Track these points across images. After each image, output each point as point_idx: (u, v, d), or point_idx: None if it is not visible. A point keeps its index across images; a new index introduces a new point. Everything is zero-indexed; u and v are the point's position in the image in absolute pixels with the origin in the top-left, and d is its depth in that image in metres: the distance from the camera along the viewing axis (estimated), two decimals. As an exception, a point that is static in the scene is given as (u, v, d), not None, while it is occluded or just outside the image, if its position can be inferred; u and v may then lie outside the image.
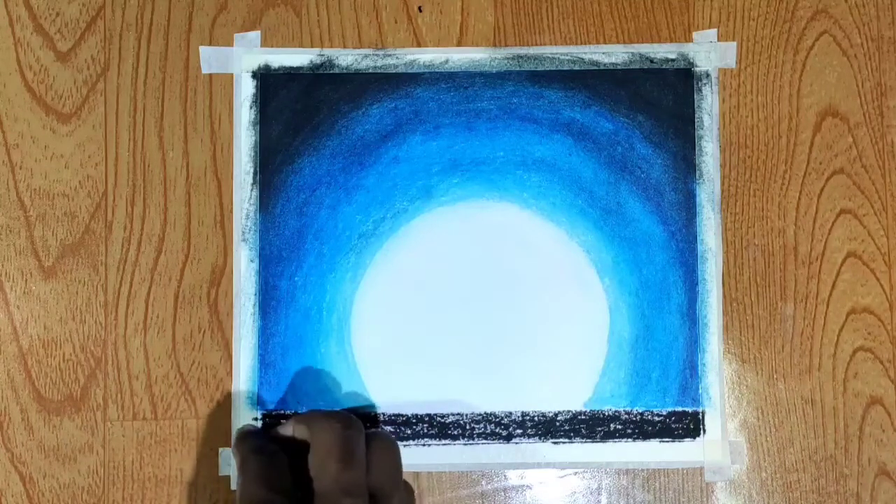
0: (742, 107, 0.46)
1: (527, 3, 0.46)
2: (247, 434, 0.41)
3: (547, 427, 0.44)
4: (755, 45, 0.46)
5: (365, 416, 0.44)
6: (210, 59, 0.46)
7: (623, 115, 0.45)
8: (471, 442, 0.44)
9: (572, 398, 0.44)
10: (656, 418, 0.44)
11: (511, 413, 0.44)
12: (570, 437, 0.44)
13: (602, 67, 0.45)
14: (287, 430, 0.39)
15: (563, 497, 0.44)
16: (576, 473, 0.44)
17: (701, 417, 0.44)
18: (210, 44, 0.46)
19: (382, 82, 0.45)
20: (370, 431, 0.39)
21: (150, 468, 0.44)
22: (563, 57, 0.45)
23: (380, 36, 0.46)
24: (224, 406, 0.44)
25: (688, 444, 0.44)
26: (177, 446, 0.44)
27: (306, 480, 0.36)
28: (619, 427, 0.44)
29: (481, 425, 0.44)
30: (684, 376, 0.44)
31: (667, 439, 0.44)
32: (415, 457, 0.44)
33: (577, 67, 0.45)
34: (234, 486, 0.44)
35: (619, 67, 0.45)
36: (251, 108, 0.45)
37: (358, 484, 0.36)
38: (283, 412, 0.44)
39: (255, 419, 0.44)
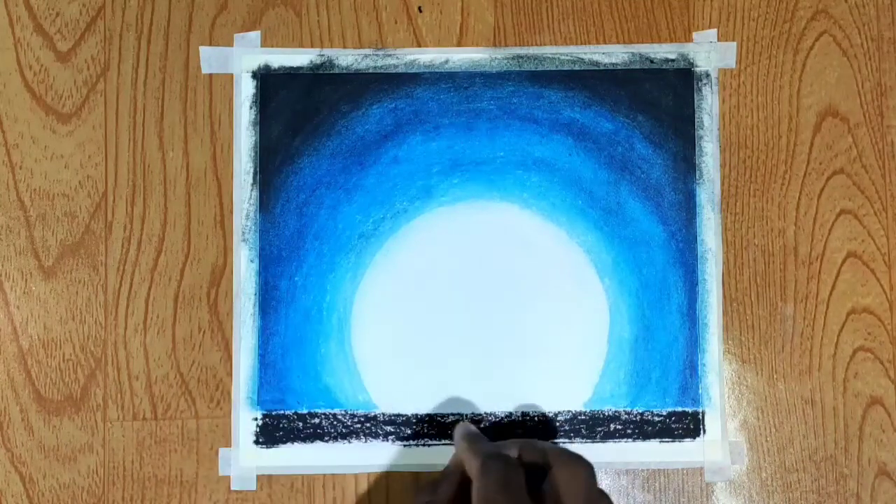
0: (742, 107, 0.46)
1: (527, 3, 0.46)
2: (479, 436, 0.40)
3: (547, 427, 0.44)
4: (755, 45, 0.46)
5: (368, 418, 0.44)
6: (210, 59, 0.46)
7: (623, 115, 0.45)
8: (471, 442, 0.44)
9: (572, 398, 0.44)
10: (656, 418, 0.44)
11: (511, 413, 0.44)
12: (570, 437, 0.44)
13: (602, 67, 0.45)
14: (511, 451, 0.38)
15: (563, 497, 0.44)
16: (576, 473, 0.44)
17: (701, 417, 0.44)
18: (210, 44, 0.46)
19: (382, 82, 0.45)
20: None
21: (150, 468, 0.44)
22: (563, 57, 0.45)
23: (380, 36, 0.46)
24: (224, 406, 0.44)
25: (688, 444, 0.44)
26: (177, 446, 0.44)
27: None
28: (619, 427, 0.44)
29: (481, 425, 0.44)
30: (684, 376, 0.44)
31: (667, 439, 0.44)
32: (415, 457, 0.44)
33: (577, 67, 0.45)
34: (234, 486, 0.44)
35: (619, 67, 0.45)
36: (251, 108, 0.45)
37: None
38: (283, 412, 0.44)
39: (255, 419, 0.44)
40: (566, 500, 0.36)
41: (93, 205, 0.45)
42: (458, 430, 0.40)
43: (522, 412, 0.44)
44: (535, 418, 0.44)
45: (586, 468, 0.37)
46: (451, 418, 0.44)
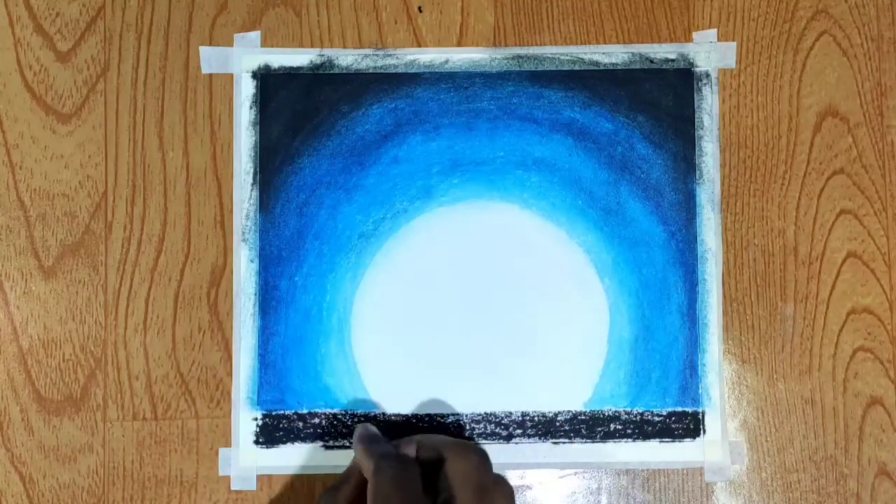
0: (742, 107, 0.46)
1: (527, 3, 0.46)
2: (376, 438, 0.40)
3: (547, 427, 0.44)
4: (755, 45, 0.46)
5: (368, 418, 0.44)
6: (210, 59, 0.46)
7: (623, 115, 0.45)
8: (471, 442, 0.44)
9: (572, 398, 0.44)
10: (656, 418, 0.44)
11: (511, 413, 0.44)
12: (570, 437, 0.44)
13: (602, 67, 0.45)
14: (409, 449, 0.38)
15: (563, 497, 0.44)
16: (576, 473, 0.44)
17: (701, 417, 0.44)
18: (210, 44, 0.46)
19: (382, 82, 0.45)
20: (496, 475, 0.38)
21: (150, 468, 0.44)
22: (563, 57, 0.45)
23: (380, 36, 0.46)
24: (224, 406, 0.44)
25: (688, 444, 0.44)
26: (177, 446, 0.44)
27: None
28: (619, 427, 0.44)
29: (481, 425, 0.44)
30: (684, 376, 0.44)
31: (667, 439, 0.44)
32: (415, 457, 0.44)
33: (577, 67, 0.45)
34: (234, 486, 0.44)
35: (619, 67, 0.45)
36: (251, 108, 0.45)
37: None
38: (283, 412, 0.44)
39: (255, 419, 0.44)
40: (459, 489, 0.36)
41: (93, 205, 0.45)
42: (356, 432, 0.40)
43: (522, 412, 0.44)
44: (535, 418, 0.44)
45: (478, 455, 0.37)
46: (451, 418, 0.44)
